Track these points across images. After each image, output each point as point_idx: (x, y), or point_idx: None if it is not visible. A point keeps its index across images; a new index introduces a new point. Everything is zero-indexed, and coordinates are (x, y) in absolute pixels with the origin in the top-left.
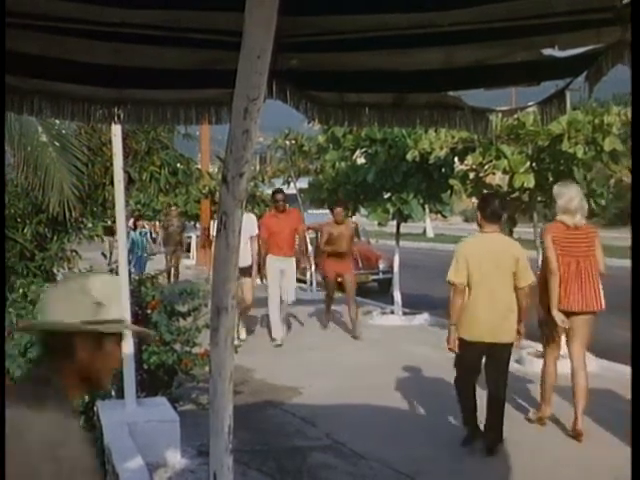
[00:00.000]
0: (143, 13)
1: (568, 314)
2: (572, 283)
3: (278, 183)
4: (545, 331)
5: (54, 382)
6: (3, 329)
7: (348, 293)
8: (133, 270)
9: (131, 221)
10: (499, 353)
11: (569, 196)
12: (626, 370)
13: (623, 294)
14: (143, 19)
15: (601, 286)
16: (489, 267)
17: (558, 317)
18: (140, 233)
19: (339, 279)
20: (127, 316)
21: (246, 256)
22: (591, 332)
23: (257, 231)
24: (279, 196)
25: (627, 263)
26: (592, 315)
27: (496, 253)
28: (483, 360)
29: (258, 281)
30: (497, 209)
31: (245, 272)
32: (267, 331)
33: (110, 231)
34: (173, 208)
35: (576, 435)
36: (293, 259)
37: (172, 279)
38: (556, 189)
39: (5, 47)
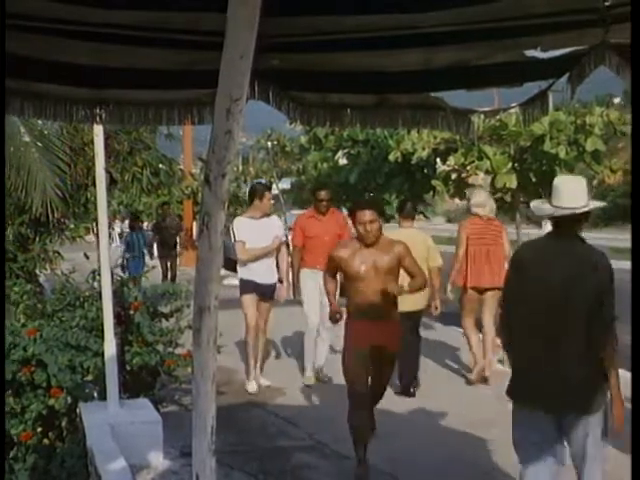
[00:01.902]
0: (125, 14)
1: (480, 290)
2: (483, 265)
3: None
4: (462, 303)
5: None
6: (3, 329)
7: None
8: (120, 273)
9: (124, 222)
10: (416, 317)
11: (479, 194)
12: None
13: None
14: (125, 20)
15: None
16: None
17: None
18: (136, 235)
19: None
20: (109, 315)
21: (272, 271)
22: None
23: (284, 238)
24: (323, 194)
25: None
26: (499, 290)
27: (413, 242)
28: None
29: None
30: (410, 209)
31: (267, 293)
32: (298, 363)
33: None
34: (166, 206)
35: (483, 380)
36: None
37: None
38: (468, 192)
39: (5, 48)
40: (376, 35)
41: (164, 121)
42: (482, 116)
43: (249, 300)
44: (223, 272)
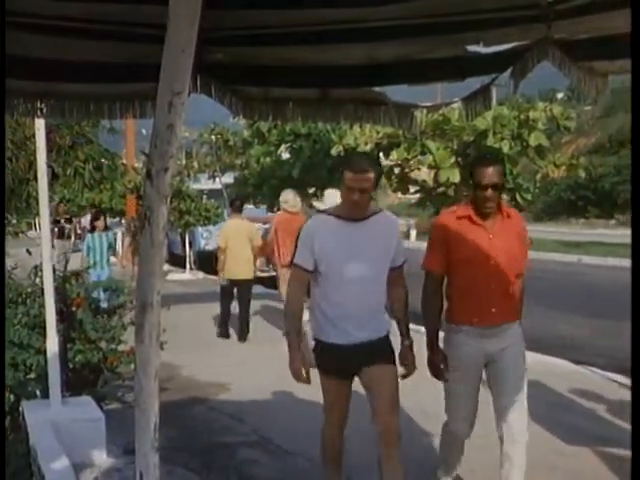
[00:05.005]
0: (67, 5)
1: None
2: (289, 247)
3: (204, 178)
4: (277, 275)
5: None
6: (3, 327)
7: None
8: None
9: (84, 219)
10: (245, 286)
11: (285, 194)
12: (555, 362)
13: (549, 286)
14: (67, 12)
15: None
16: (236, 237)
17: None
18: (100, 236)
19: None
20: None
21: (380, 313)
22: None
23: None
24: (490, 171)
25: (554, 256)
26: None
27: (238, 229)
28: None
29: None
30: (238, 205)
31: (374, 357)
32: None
33: (60, 233)
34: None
35: None
36: (517, 327)
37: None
38: (281, 192)
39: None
40: (319, 29)
41: (106, 115)
42: (425, 111)
43: (333, 388)
44: (166, 267)
